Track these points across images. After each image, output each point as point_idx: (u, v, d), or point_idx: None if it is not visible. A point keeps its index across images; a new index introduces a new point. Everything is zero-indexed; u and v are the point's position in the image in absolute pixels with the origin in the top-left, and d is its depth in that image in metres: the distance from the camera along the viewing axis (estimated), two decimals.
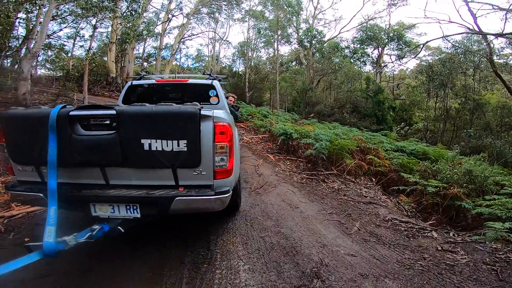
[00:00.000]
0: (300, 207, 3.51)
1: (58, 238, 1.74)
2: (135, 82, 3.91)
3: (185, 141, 2.04)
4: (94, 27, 14.28)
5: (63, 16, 10.89)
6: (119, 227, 2.10)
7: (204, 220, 3.04)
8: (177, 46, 18.16)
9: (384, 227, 3.03)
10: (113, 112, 2.02)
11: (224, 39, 25.94)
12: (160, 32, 17.46)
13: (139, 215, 2.15)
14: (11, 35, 9.81)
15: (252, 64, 26.19)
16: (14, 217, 3.02)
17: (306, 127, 7.95)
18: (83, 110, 2.12)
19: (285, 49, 29.71)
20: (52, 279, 2.06)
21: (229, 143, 2.19)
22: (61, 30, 13.12)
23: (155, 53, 21.08)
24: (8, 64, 13.13)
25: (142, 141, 2.03)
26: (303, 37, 22.55)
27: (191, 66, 30.83)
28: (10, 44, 10.29)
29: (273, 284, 2.01)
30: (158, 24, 16.95)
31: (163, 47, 18.76)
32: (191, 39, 22.53)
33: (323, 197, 3.93)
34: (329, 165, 5.56)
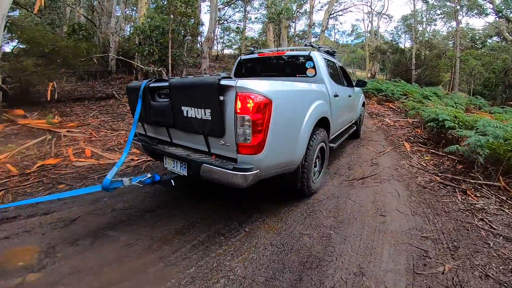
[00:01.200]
0: (388, 217, 2.59)
1: (121, 178, 2.34)
2: (243, 57, 4.22)
3: (209, 110, 2.06)
4: (245, 10, 16.72)
5: (233, 2, 13.22)
6: (171, 180, 2.51)
7: (263, 197, 2.98)
8: (326, 23, 17.45)
9: None
10: (167, 84, 2.37)
11: (383, 12, 22.05)
12: (309, 10, 17.80)
13: (186, 174, 2.45)
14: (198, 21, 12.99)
15: (423, 39, 20.68)
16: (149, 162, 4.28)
17: (481, 115, 5.41)
18: (157, 82, 2.61)
19: (479, 22, 21.52)
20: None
21: (257, 116, 1.97)
22: (234, 14, 16.34)
23: (306, 30, 21.44)
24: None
25: (182, 107, 2.25)
26: (502, 7, 15.17)
27: (350, 43, 28.55)
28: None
29: None
30: (305, 1, 17.18)
31: (312, 24, 18.76)
32: (341, 15, 20.90)
33: (439, 214, 2.66)
34: (495, 172, 3.64)
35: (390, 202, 2.95)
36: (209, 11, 11.74)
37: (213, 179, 2.16)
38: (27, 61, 6.05)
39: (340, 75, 4.45)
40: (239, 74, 4.19)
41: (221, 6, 17.52)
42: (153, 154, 2.95)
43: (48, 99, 6.33)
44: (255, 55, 4.06)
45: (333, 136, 3.87)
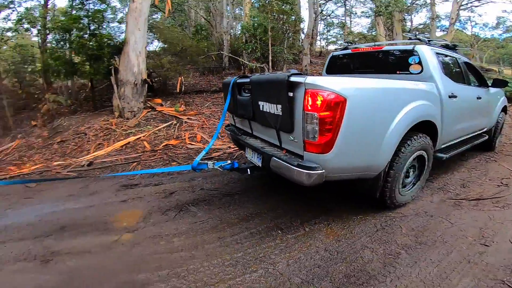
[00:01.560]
0: (492, 248, 1.97)
1: (208, 161, 2.74)
2: (335, 53, 4.00)
3: (280, 106, 2.14)
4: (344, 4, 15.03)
5: None
6: (248, 169, 2.74)
7: (338, 200, 2.83)
8: (456, 15, 13.65)
9: None
10: (248, 80, 2.58)
11: None
12: (429, 1, 14.41)
13: (260, 165, 2.63)
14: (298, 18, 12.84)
15: None
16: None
17: None
18: (242, 79, 2.86)
19: None
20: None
21: (326, 114, 1.90)
22: (336, 9, 15.29)
23: (428, 23, 17.44)
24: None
25: (259, 102, 2.42)
26: None
27: (497, 37, 21.46)
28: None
29: None
30: None
31: (435, 16, 15.13)
32: (477, 6, 15.65)
33: None
34: None
35: (505, 231, 2.24)
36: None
37: (280, 173, 2.25)
38: (164, 58, 7.74)
39: (464, 73, 3.59)
40: (331, 71, 4.03)
41: (322, 1, 16.88)
42: (238, 144, 3.30)
43: (177, 91, 7.92)
44: (348, 51, 3.79)
45: (445, 145, 3.21)
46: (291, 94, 2.03)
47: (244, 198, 2.97)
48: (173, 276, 1.80)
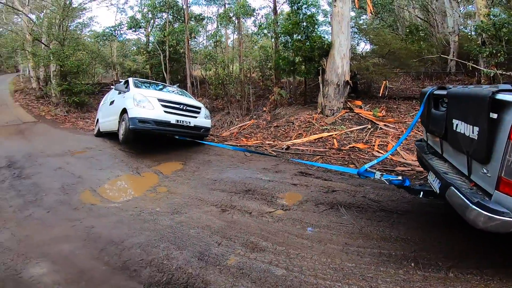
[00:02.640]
0: None
1: (376, 171, 2.60)
2: None
3: (477, 128, 1.66)
4: None
5: None
6: (421, 192, 2.36)
7: None
8: None
9: None
10: (445, 92, 2.14)
11: None
12: None
13: (437, 191, 2.19)
14: None
15: None
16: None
17: None
18: (439, 90, 2.35)
19: None
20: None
21: None
22: None
23: None
24: None
25: (453, 120, 1.99)
26: None
27: None
28: None
29: None
30: None
31: None
32: None
33: None
34: None
35: None
36: None
37: (454, 206, 1.83)
38: (369, 61, 7.59)
39: None
40: None
41: None
42: (421, 162, 2.84)
43: (380, 95, 7.61)
44: None
45: None
46: (494, 115, 1.54)
47: (402, 219, 2.59)
48: (284, 254, 2.07)
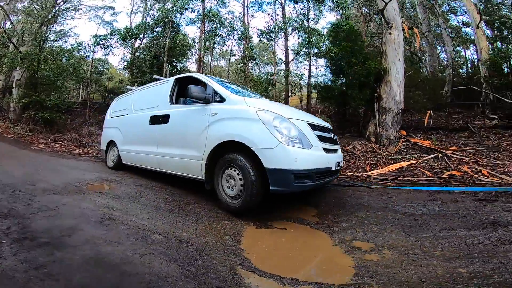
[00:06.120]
0: None
1: None
2: None
3: None
4: None
5: None
6: None
7: None
8: None
9: None
10: None
11: None
12: None
13: None
14: None
15: None
16: None
17: None
18: None
19: None
20: None
21: None
22: None
23: None
24: None
25: None
26: None
27: None
28: None
29: None
30: None
31: None
32: None
33: None
34: None
35: None
36: None
37: None
38: (416, 92, 7.51)
39: None
40: None
41: None
42: None
43: (425, 124, 7.36)
44: None
45: None
46: None
47: None
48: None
